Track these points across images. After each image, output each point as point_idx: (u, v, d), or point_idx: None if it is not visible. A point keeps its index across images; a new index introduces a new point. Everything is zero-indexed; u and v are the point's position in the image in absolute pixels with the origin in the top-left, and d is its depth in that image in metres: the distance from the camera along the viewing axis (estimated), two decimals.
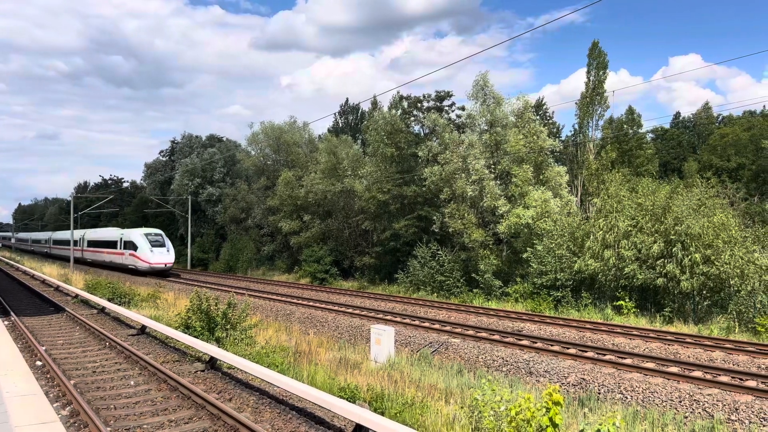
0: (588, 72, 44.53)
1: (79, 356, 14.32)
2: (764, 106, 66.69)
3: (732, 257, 21.20)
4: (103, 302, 22.38)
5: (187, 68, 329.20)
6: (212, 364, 12.74)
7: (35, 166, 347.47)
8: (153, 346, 15.46)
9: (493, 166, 37.52)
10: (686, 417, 10.43)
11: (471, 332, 17.84)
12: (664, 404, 11.01)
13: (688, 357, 14.61)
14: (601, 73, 44.04)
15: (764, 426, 9.79)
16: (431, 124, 42.41)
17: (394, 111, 47.40)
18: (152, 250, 43.59)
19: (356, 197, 45.14)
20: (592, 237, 25.45)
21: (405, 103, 51.44)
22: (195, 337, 14.14)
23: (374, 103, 50.72)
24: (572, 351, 15.05)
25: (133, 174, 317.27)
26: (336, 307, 23.62)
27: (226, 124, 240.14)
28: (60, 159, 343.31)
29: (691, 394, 11.17)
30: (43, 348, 14.74)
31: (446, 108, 50.91)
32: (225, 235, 63.62)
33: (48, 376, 12.06)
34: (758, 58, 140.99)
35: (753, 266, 21.06)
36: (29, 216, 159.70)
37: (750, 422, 9.97)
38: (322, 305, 23.71)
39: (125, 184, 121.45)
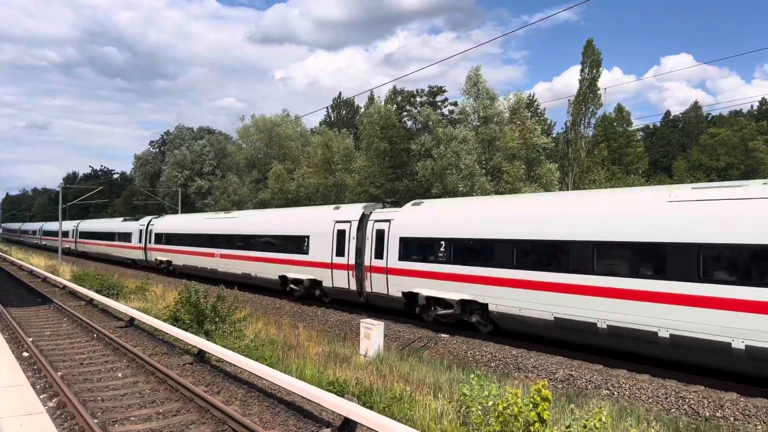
0: (582, 70, 44.65)
1: (67, 348, 14.24)
2: (751, 106, 67.30)
3: None
4: (91, 294, 22.26)
5: (180, 60, 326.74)
6: (201, 357, 12.70)
7: (25, 156, 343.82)
8: (141, 339, 15.39)
9: (485, 162, 37.61)
10: (671, 413, 10.53)
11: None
12: (650, 400, 11.10)
13: None
14: (594, 71, 44.18)
15: (749, 423, 9.90)
16: (424, 119, 42.44)
17: (389, 106, 47.35)
18: None
19: (348, 191, 45.07)
20: None
21: (398, 98, 51.40)
22: (184, 329, 14.09)
23: (371, 98, 50.68)
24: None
25: (123, 165, 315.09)
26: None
27: (219, 117, 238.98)
28: (50, 149, 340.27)
29: (677, 390, 11.27)
30: (30, 339, 14.64)
31: (439, 103, 50.97)
32: None
33: (35, 367, 11.98)
34: (748, 60, 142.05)
35: None
36: (17, 206, 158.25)
37: (735, 419, 10.07)
38: (312, 300, 23.70)
39: (115, 176, 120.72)
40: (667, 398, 11.07)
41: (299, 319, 20.41)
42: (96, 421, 8.56)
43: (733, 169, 54.60)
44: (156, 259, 38.08)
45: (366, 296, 20.07)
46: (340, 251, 20.78)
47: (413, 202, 20.04)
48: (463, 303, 16.32)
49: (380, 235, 19.27)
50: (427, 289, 17.31)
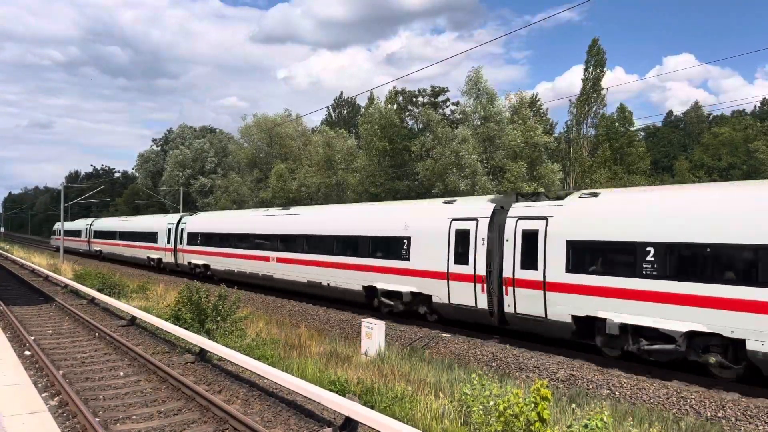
0: (586, 69, 44.59)
1: (69, 346, 14.26)
2: (755, 106, 67.27)
3: None
4: (93, 293, 22.28)
5: (183, 59, 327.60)
6: (202, 356, 12.71)
7: (27, 154, 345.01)
8: (143, 338, 15.41)
9: (486, 162, 37.60)
10: (673, 413, 10.52)
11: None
12: (651, 401, 11.09)
13: None
14: (599, 70, 44.13)
15: (750, 423, 9.89)
16: (425, 119, 42.46)
17: (389, 106, 47.38)
18: None
19: (349, 190, 45.07)
20: None
21: (400, 98, 51.45)
22: (185, 328, 14.10)
23: (371, 99, 50.73)
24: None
25: (125, 164, 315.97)
26: (327, 301, 23.55)
27: (221, 116, 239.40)
28: (52, 148, 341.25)
29: (679, 390, 11.26)
30: (32, 338, 14.67)
31: (441, 103, 51.01)
32: None
33: (37, 366, 12.00)
34: (751, 61, 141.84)
35: None
36: (19, 205, 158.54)
37: (737, 419, 10.06)
38: (314, 299, 23.69)
39: (116, 174, 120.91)
40: (668, 398, 11.06)
41: (300, 319, 20.42)
42: (97, 419, 8.57)
43: (734, 169, 54.55)
44: (190, 263, 32.99)
45: (505, 317, 15.44)
46: (461, 257, 16.43)
47: (582, 192, 15.26)
48: (691, 335, 11.79)
49: (531, 237, 14.55)
50: (621, 313, 12.68)
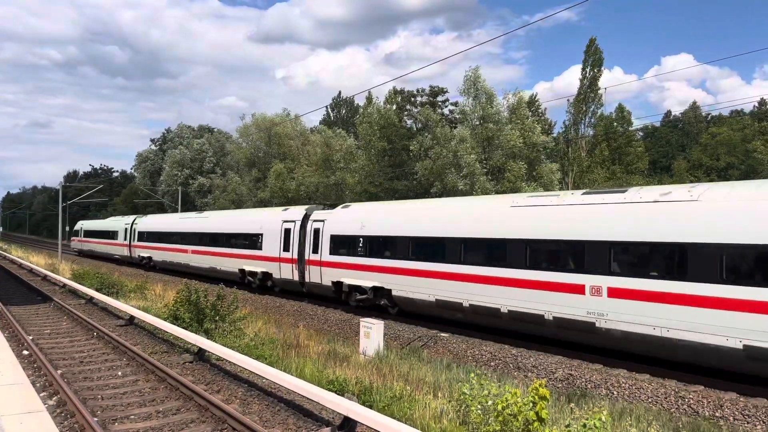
0: (583, 69, 44.63)
1: (67, 346, 14.24)
2: (753, 106, 67.39)
3: None
4: (91, 292, 22.26)
5: (182, 59, 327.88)
6: (201, 355, 12.70)
7: (26, 154, 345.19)
8: (141, 337, 15.40)
9: (485, 161, 37.61)
10: (671, 413, 10.53)
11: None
12: (650, 400, 11.10)
13: None
14: (596, 70, 44.15)
15: (748, 423, 9.90)
16: (424, 119, 42.48)
17: (389, 106, 47.41)
18: None
19: (347, 190, 45.06)
20: None
21: (399, 98, 51.50)
22: (183, 328, 14.08)
23: (369, 98, 50.76)
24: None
25: (124, 164, 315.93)
26: (326, 301, 23.40)
27: (220, 116, 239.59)
28: (51, 148, 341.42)
29: (677, 390, 11.27)
30: (30, 337, 14.65)
31: (440, 103, 51.06)
32: None
33: (35, 365, 11.98)
34: (749, 61, 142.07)
35: None
36: (17, 205, 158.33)
37: (734, 419, 10.07)
38: (312, 299, 23.66)
39: (115, 174, 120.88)
40: (666, 398, 11.07)
41: (299, 318, 20.39)
42: (96, 419, 8.56)
43: (733, 169, 54.64)
44: (337, 283, 21.41)
45: None
46: None
47: None
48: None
49: None
50: None
